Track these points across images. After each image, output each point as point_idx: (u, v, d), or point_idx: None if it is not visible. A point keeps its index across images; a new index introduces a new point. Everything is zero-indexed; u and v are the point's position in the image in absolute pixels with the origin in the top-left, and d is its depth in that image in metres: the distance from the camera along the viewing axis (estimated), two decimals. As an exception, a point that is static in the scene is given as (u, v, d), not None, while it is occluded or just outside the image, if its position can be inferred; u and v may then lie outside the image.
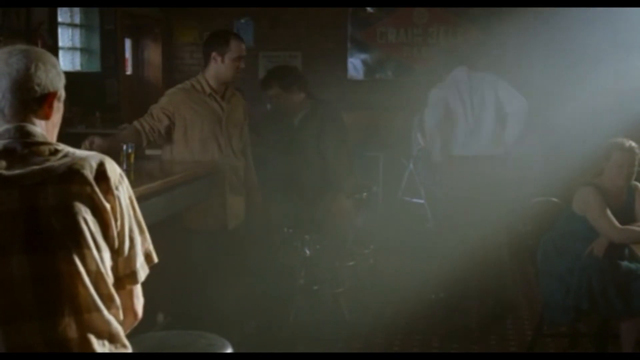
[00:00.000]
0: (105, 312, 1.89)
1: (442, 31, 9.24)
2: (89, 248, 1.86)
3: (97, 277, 1.88)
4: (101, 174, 1.94)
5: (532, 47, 8.50)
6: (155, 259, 2.14)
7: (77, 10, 8.44)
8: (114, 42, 8.84)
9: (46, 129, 2.04)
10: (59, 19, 7.88)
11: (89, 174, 1.91)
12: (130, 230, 2.01)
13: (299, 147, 5.18)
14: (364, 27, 9.44)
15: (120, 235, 1.97)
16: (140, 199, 3.75)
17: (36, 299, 1.80)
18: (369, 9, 9.40)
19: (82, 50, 8.55)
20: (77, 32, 8.49)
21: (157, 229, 4.00)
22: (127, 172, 4.17)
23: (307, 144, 5.15)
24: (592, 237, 4.25)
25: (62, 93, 2.08)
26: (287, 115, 5.23)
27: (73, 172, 1.89)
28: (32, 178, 1.86)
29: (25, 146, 1.93)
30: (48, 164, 1.90)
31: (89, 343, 1.85)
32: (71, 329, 1.83)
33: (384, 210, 7.82)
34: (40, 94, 1.99)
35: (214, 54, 4.36)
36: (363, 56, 9.50)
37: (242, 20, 9.71)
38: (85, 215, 1.86)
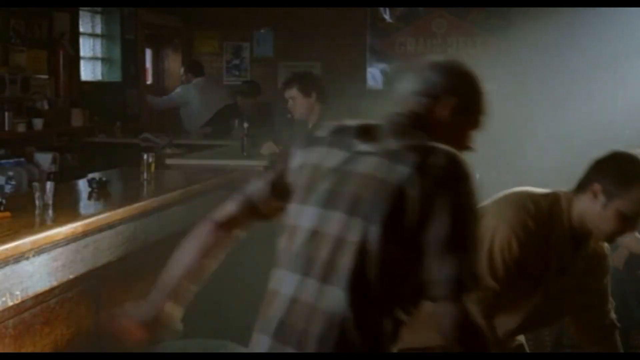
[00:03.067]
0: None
1: (460, 41, 9.23)
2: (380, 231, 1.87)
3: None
4: (429, 169, 1.88)
5: (549, 56, 8.47)
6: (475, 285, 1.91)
7: (98, 20, 8.51)
8: (135, 52, 8.90)
9: (434, 129, 2.04)
10: (81, 29, 7.94)
11: (412, 166, 1.88)
12: (439, 243, 1.85)
13: None
14: (383, 37, 9.44)
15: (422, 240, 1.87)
16: (161, 208, 3.79)
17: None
18: (387, 18, 9.40)
19: (104, 60, 8.62)
20: (99, 42, 8.55)
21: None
22: (148, 182, 4.20)
23: None
24: (611, 248, 4.23)
25: (468, 110, 2.13)
26: (301, 118, 5.30)
27: (404, 156, 1.91)
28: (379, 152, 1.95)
29: (395, 125, 2.03)
30: (393, 144, 1.95)
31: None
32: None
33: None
34: (436, 89, 2.09)
35: (597, 186, 2.62)
36: (382, 66, 9.50)
37: (262, 31, 9.74)
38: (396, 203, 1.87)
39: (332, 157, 1.98)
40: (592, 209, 2.61)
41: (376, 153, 1.93)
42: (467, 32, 9.20)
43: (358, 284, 1.84)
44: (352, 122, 2.09)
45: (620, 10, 7.61)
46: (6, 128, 6.30)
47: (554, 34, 8.30)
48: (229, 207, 2.25)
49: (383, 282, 1.85)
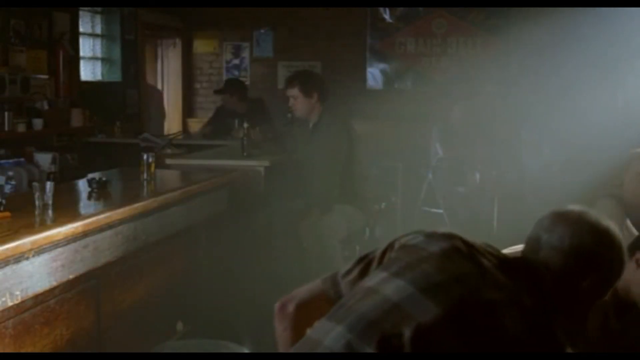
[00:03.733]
0: None
1: (460, 42, 9.23)
2: None
3: None
4: None
5: (549, 57, 8.47)
6: None
7: (98, 20, 8.50)
8: (135, 52, 8.90)
9: (563, 294, 1.93)
10: (81, 29, 7.94)
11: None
12: None
13: (309, 151, 5.23)
14: (383, 38, 9.44)
15: None
16: (161, 208, 3.79)
17: None
18: (387, 18, 9.40)
19: (103, 60, 8.61)
20: (98, 42, 8.55)
21: (177, 241, 4.03)
22: (147, 182, 4.20)
23: (315, 149, 5.19)
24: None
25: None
26: (301, 117, 5.32)
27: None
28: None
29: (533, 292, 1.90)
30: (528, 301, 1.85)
31: None
32: None
33: (403, 221, 7.81)
34: (589, 261, 1.94)
35: (639, 254, 2.51)
36: (382, 66, 9.51)
37: (262, 31, 9.74)
38: None
39: (453, 261, 1.89)
40: (634, 277, 2.45)
41: (508, 296, 1.83)
42: (467, 32, 9.20)
43: None
44: (488, 247, 1.98)
45: (620, 11, 7.61)
46: (6, 128, 6.30)
47: (554, 34, 8.31)
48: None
49: None
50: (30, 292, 2.81)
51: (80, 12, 7.91)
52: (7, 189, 4.15)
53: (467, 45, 9.20)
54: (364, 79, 9.52)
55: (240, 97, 7.42)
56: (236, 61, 9.92)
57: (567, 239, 1.93)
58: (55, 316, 2.99)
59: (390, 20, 9.41)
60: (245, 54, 9.88)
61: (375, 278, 1.90)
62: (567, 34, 8.22)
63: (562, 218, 1.97)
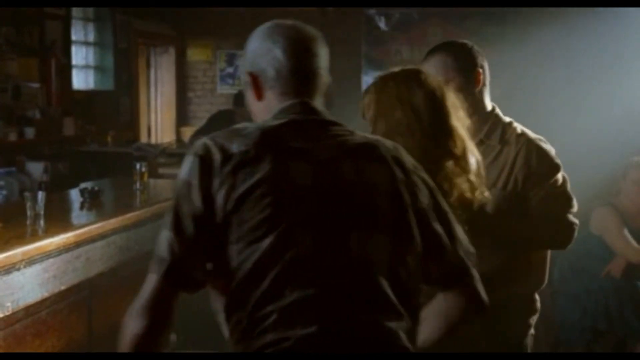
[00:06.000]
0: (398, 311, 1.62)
1: (455, 49, 9.23)
2: (384, 233, 1.64)
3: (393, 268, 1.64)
4: (396, 158, 1.75)
5: (545, 61, 8.47)
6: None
7: (90, 28, 8.46)
8: (128, 60, 8.86)
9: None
10: (73, 37, 7.90)
11: (386, 154, 1.74)
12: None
13: None
14: (378, 45, 9.43)
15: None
16: (154, 217, 3.75)
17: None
18: (382, 27, 9.40)
19: (96, 68, 8.57)
20: (91, 50, 8.50)
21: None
22: (140, 191, 4.17)
23: None
24: (609, 257, 4.21)
25: None
26: None
27: (368, 148, 1.75)
28: (326, 152, 1.72)
29: (313, 122, 1.85)
30: (339, 139, 1.77)
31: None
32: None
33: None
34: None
35: None
36: (377, 74, 9.48)
37: (256, 39, 9.72)
38: (384, 195, 1.68)
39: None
40: None
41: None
42: (462, 39, 9.19)
43: None
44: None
45: (617, 12, 7.61)
46: (-3, 137, 6.27)
47: (549, 39, 8.30)
48: None
49: None
50: (21, 304, 2.78)
51: (73, 20, 7.87)
52: (-2, 198, 4.12)
53: (462, 53, 9.20)
54: (359, 87, 9.50)
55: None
56: (230, 69, 9.89)
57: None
58: (46, 328, 2.96)
59: (386, 29, 9.41)
60: (240, 62, 9.84)
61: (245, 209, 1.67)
62: (564, 37, 8.22)
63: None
